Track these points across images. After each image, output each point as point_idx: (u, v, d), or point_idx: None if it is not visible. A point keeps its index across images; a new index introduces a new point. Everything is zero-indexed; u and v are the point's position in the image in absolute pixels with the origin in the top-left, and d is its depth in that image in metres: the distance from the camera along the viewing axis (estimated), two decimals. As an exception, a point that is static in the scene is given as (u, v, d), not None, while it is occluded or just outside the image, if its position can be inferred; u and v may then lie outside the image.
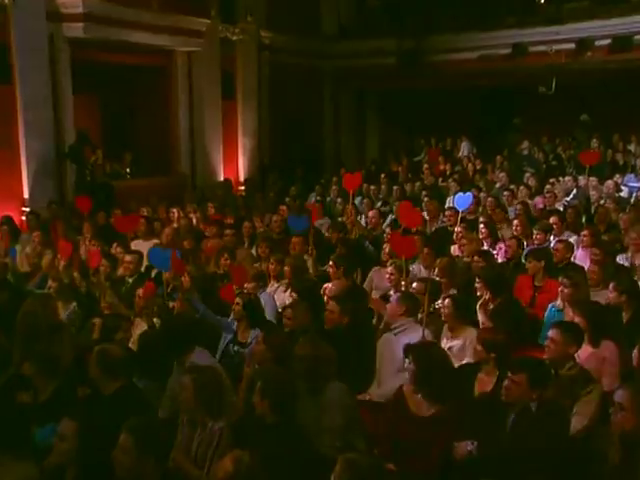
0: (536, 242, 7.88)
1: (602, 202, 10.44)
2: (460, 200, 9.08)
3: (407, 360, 4.33)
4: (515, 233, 8.27)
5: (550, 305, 6.04)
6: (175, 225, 10.15)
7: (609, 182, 11.52)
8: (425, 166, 15.30)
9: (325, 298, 6.25)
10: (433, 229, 9.64)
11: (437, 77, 17.34)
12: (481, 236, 8.19)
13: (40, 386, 4.53)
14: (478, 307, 5.86)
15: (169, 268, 6.59)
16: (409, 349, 4.37)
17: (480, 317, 5.74)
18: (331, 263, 6.99)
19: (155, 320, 6.26)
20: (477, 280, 6.09)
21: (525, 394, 4.00)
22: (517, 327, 5.63)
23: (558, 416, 4.07)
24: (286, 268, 7.21)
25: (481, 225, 8.35)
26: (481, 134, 18.63)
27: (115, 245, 8.48)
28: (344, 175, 9.84)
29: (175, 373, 5.03)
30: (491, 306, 5.91)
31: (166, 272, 6.61)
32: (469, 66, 16.66)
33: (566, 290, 5.78)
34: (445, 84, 17.83)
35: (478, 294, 6.05)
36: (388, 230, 8.04)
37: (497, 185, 12.92)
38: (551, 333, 4.61)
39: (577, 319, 4.98)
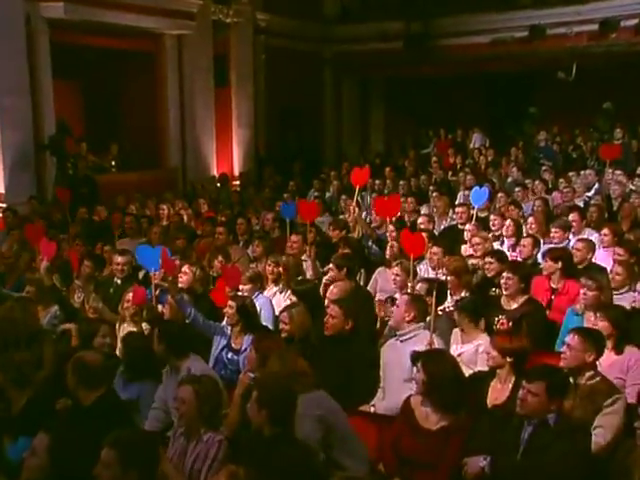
0: (555, 241, 7.85)
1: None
2: (476, 195, 9.07)
3: (415, 368, 4.31)
4: (530, 231, 8.24)
5: (569, 309, 6.02)
6: (165, 223, 10.14)
7: (617, 173, 11.39)
8: (434, 159, 15.29)
9: (326, 301, 6.23)
10: (442, 227, 9.63)
11: (447, 63, 17.32)
12: (506, 234, 8.16)
13: (13, 397, 4.50)
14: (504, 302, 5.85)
15: (159, 267, 6.58)
16: (417, 357, 4.35)
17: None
18: (331, 265, 6.98)
19: (144, 325, 6.25)
20: (505, 275, 6.07)
21: (543, 405, 3.95)
22: (539, 332, 5.60)
23: (578, 430, 4.03)
24: (282, 269, 7.22)
25: (508, 221, 8.31)
26: (494, 124, 18.62)
27: (100, 245, 8.48)
28: (352, 170, 9.83)
29: (166, 382, 5.02)
30: (514, 305, 5.90)
31: (154, 272, 6.58)
32: (482, 50, 16.61)
33: (590, 293, 5.73)
34: (456, 70, 17.81)
35: (505, 291, 6.03)
36: (391, 227, 8.01)
37: (509, 179, 12.90)
38: (568, 338, 4.58)
39: (601, 324, 4.96)
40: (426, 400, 4.25)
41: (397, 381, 5.10)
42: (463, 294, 6.23)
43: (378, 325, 6.25)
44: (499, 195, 10.32)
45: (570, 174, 12.37)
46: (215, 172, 15.45)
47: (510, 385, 4.55)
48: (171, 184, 14.11)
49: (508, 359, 4.59)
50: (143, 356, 5.17)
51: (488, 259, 6.87)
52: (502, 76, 18.53)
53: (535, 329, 5.72)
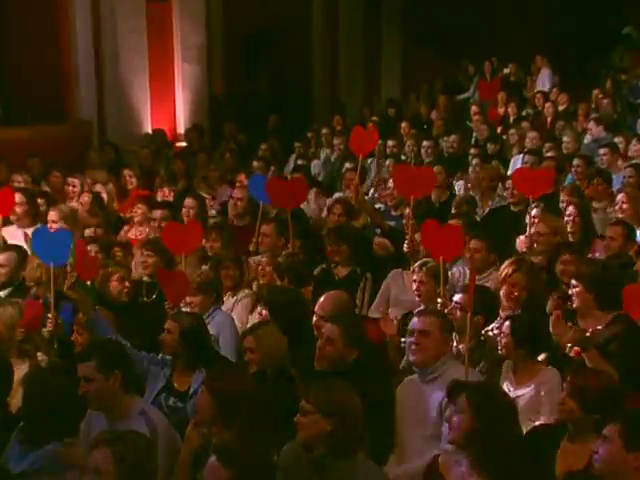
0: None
1: None
2: None
3: (450, 409, 4.31)
4: (620, 216, 8.28)
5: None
6: (75, 204, 10.11)
7: None
8: (474, 108, 15.29)
9: (315, 319, 6.26)
10: (487, 209, 9.71)
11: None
12: (569, 226, 8.16)
13: None
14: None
15: (65, 261, 6.62)
16: (458, 388, 4.37)
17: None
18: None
19: (40, 356, 6.25)
20: (574, 283, 6.10)
21: (619, 457, 4.02)
22: (634, 365, 5.63)
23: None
24: (265, 267, 7.33)
25: (568, 206, 8.32)
26: (567, 55, 18.59)
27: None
28: (352, 130, 9.78)
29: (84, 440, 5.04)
30: (597, 327, 5.93)
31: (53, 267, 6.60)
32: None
33: None
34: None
35: (574, 306, 6.06)
36: (408, 212, 8.04)
37: (586, 138, 12.92)
38: None
39: None
40: (468, 462, 4.24)
41: (419, 438, 5.16)
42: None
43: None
44: (576, 161, 10.35)
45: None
46: (149, 128, 15.42)
47: (592, 446, 4.54)
48: (81, 145, 14.03)
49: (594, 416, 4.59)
50: (53, 407, 5.15)
51: (564, 257, 6.90)
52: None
53: (629, 360, 5.73)
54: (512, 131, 13.37)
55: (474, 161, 11.26)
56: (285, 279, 7.25)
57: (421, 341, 5.35)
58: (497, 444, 4.18)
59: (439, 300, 6.51)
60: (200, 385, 5.28)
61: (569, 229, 8.07)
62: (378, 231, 8.80)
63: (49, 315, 6.54)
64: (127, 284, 7.57)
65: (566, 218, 8.16)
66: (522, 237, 8.19)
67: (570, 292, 6.11)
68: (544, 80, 17.45)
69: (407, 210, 8.21)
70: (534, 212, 8.23)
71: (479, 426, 4.22)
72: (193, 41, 16.36)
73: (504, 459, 4.13)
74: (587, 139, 12.93)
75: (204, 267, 7.89)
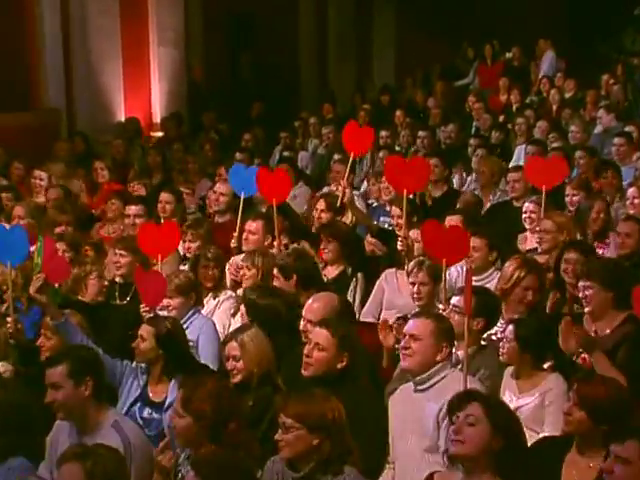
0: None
1: None
2: None
3: (453, 418, 4.30)
4: (632, 212, 8.28)
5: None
6: (43, 199, 10.09)
7: None
8: (472, 98, 15.30)
9: (303, 323, 6.27)
10: (488, 205, 9.72)
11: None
12: (594, 224, 8.14)
13: None
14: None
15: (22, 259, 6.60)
16: (465, 398, 4.37)
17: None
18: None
19: (2, 367, 6.26)
20: (583, 281, 6.11)
21: None
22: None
23: None
24: (246, 272, 7.29)
25: (594, 202, 8.31)
26: (575, 37, 18.59)
27: None
28: (345, 125, 9.74)
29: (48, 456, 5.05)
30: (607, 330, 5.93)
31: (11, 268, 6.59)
32: None
33: None
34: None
35: (587, 309, 6.08)
36: (396, 210, 8.01)
37: (597, 128, 12.93)
38: None
39: None
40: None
41: (414, 451, 5.16)
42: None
43: (384, 361, 6.30)
44: (578, 153, 10.37)
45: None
46: (122, 117, 15.39)
47: (600, 459, 4.53)
48: (49, 135, 13.99)
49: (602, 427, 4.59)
50: (12, 421, 5.09)
51: (569, 255, 6.90)
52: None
53: (638, 364, 5.74)
54: (520, 120, 13.14)
55: (479, 151, 11.21)
56: (292, 279, 7.14)
57: (411, 346, 5.36)
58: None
59: (440, 306, 6.53)
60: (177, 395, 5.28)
61: (595, 227, 8.03)
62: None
63: (8, 319, 6.52)
64: (105, 283, 7.58)
65: (593, 215, 8.07)
66: (527, 234, 8.20)
67: (581, 294, 6.11)
68: (544, 64, 17.37)
69: (394, 208, 8.21)
70: (530, 207, 8.25)
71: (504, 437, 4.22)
72: (170, 23, 16.33)
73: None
74: (597, 129, 12.92)
75: (183, 267, 7.89)
